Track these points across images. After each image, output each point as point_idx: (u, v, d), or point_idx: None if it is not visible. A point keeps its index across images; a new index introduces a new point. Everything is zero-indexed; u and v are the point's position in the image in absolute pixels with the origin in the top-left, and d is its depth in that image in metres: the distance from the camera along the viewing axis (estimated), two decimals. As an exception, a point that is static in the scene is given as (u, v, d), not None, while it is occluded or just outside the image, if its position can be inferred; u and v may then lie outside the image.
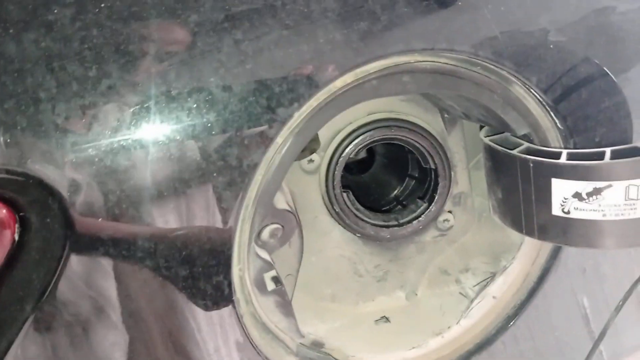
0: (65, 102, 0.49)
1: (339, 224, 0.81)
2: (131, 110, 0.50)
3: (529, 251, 0.76)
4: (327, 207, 0.80)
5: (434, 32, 0.58)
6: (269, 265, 0.63)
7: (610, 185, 0.61)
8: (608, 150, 0.62)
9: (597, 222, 0.63)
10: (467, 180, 0.82)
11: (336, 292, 0.83)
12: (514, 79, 0.63)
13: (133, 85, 0.50)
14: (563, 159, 0.62)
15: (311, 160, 0.77)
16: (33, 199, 0.50)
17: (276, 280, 0.63)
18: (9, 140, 0.48)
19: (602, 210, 0.62)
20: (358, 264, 0.84)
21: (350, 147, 0.76)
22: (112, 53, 0.50)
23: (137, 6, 0.51)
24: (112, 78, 0.50)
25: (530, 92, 0.64)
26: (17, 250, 0.51)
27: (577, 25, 0.65)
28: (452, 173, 0.80)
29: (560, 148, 0.66)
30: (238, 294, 0.60)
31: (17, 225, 0.51)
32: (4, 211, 0.50)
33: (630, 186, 0.60)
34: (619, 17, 0.69)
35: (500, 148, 0.67)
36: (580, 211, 0.63)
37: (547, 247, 0.75)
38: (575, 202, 0.63)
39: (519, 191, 0.66)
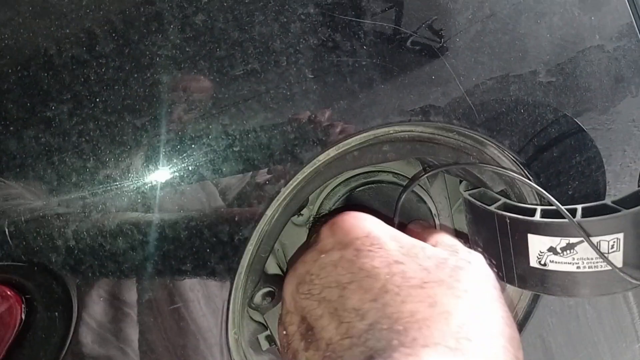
0: (66, 193, 0.52)
1: (330, 271, 0.84)
2: (127, 197, 0.54)
3: (511, 295, 0.79)
4: (317, 256, 0.83)
5: (410, 105, 0.62)
6: (263, 327, 0.66)
7: (582, 241, 0.64)
8: (579, 208, 0.65)
9: (572, 274, 0.66)
10: (451, 226, 0.85)
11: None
12: (487, 141, 0.66)
13: (130, 173, 0.54)
14: (537, 217, 0.66)
15: (301, 214, 0.80)
16: (37, 283, 0.54)
17: (270, 339, 0.67)
18: (13, 231, 0.52)
19: (576, 263, 0.65)
20: (350, 308, 0.86)
21: (335, 199, 0.79)
22: (107, 144, 0.53)
23: (130, 99, 0.55)
24: (109, 168, 0.53)
25: (504, 152, 0.67)
26: (24, 329, 0.54)
27: (549, 86, 0.68)
28: (437, 221, 0.83)
29: (535, 204, 0.69)
30: (234, 356, 0.63)
31: (23, 307, 0.54)
32: (10, 294, 0.54)
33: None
34: (591, 68, 0.72)
35: (479, 204, 0.70)
36: (556, 264, 0.66)
37: (528, 292, 0.79)
38: (551, 256, 0.66)
39: (499, 244, 0.70)
